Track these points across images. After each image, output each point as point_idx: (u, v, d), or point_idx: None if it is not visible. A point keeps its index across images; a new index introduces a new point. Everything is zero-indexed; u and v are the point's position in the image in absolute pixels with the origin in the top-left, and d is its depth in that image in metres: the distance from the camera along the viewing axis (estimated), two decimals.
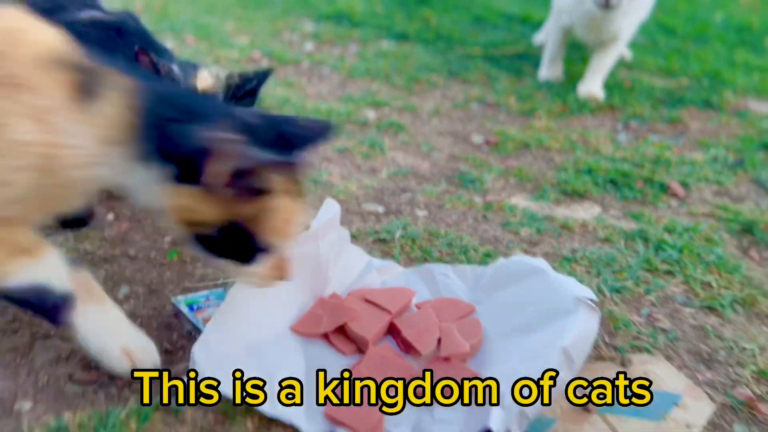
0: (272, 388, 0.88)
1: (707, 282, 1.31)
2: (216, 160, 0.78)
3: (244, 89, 1.20)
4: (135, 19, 1.31)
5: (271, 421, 0.88)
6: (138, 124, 0.79)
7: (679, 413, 0.98)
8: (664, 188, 1.70)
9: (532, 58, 2.72)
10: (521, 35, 3.02)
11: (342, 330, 1.03)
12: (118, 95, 0.80)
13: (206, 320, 1.01)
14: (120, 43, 1.23)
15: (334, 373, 0.96)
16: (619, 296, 1.25)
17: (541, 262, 1.11)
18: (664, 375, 1.06)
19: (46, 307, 0.84)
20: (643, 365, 1.08)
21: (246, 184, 0.81)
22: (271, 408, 0.85)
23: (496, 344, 1.02)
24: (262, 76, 1.22)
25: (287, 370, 0.93)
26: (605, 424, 0.95)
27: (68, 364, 0.95)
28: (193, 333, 1.03)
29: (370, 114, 2.06)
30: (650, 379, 1.04)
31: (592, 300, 1.01)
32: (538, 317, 1.01)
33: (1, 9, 0.84)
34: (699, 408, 1.00)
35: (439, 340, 1.02)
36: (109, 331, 0.89)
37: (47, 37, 0.82)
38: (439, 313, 1.08)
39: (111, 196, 1.41)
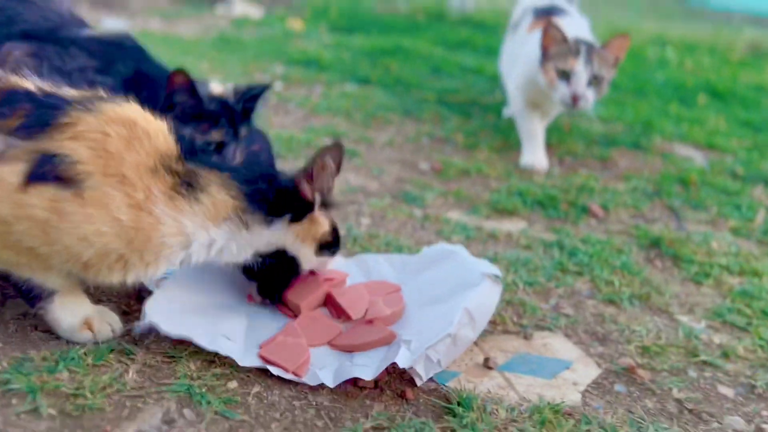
0: (214, 333, 1.02)
1: (611, 281, 1.49)
2: (317, 179, 1.06)
3: (250, 94, 1.43)
4: (132, 39, 1.52)
5: (212, 362, 1.01)
6: (241, 203, 1.01)
7: (568, 374, 1.14)
8: (585, 210, 1.90)
9: (481, 104, 2.96)
10: (474, 84, 3.27)
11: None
12: (217, 187, 1.00)
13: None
14: (120, 56, 1.43)
15: (271, 330, 1.10)
16: (531, 288, 1.42)
17: (457, 247, 1.28)
18: (560, 347, 1.22)
19: (32, 294, 1.00)
20: (543, 339, 1.24)
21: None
22: (210, 344, 0.99)
23: (415, 313, 1.18)
24: (264, 87, 1.46)
25: (229, 323, 1.07)
26: (502, 379, 1.10)
27: (35, 318, 1.08)
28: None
29: (328, 142, 2.24)
30: (548, 349, 1.20)
31: (496, 275, 1.18)
32: (449, 290, 1.18)
33: (118, 102, 1.00)
34: (586, 372, 1.16)
35: (366, 310, 1.18)
36: (75, 311, 1.03)
37: (157, 140, 0.98)
38: (370, 291, 1.24)
39: None
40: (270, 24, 4.63)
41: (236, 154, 1.41)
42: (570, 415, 1.02)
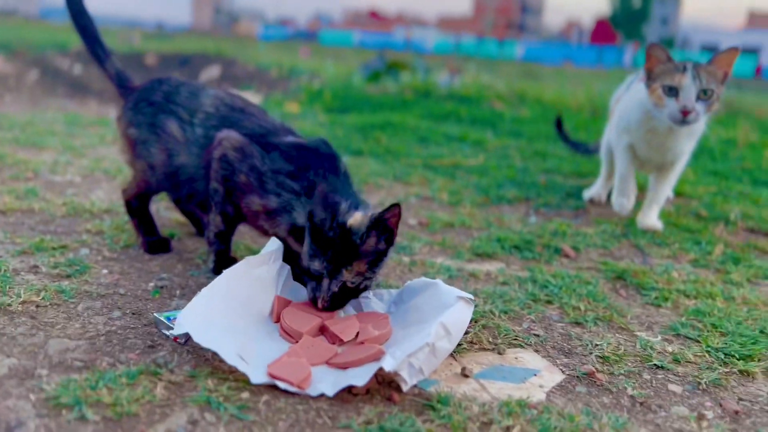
0: (233, 351, 1.21)
1: (578, 307, 1.67)
2: None
3: (377, 223, 1.41)
4: (327, 145, 1.63)
5: (226, 379, 1.19)
6: None
7: (536, 379, 1.31)
8: (558, 251, 2.10)
9: (464, 167, 3.22)
10: (457, 149, 3.55)
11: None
12: None
13: None
14: (314, 163, 1.57)
15: (276, 353, 1.29)
16: (505, 315, 1.60)
17: (436, 280, 1.48)
18: (530, 360, 1.40)
19: None
20: (515, 354, 1.41)
21: None
22: (231, 360, 1.17)
23: (400, 334, 1.36)
24: (393, 213, 1.42)
25: (244, 346, 1.26)
26: (477, 384, 1.27)
27: (75, 352, 1.26)
28: (170, 335, 1.35)
29: None
30: (519, 361, 1.38)
31: (469, 298, 1.37)
32: (428, 312, 1.37)
33: None
34: (552, 377, 1.33)
35: (357, 334, 1.36)
36: None
37: None
38: (360, 319, 1.42)
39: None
40: (268, 108, 4.97)
41: (329, 289, 1.42)
42: (534, 407, 1.18)
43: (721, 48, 2.44)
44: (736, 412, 1.22)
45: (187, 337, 1.32)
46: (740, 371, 1.38)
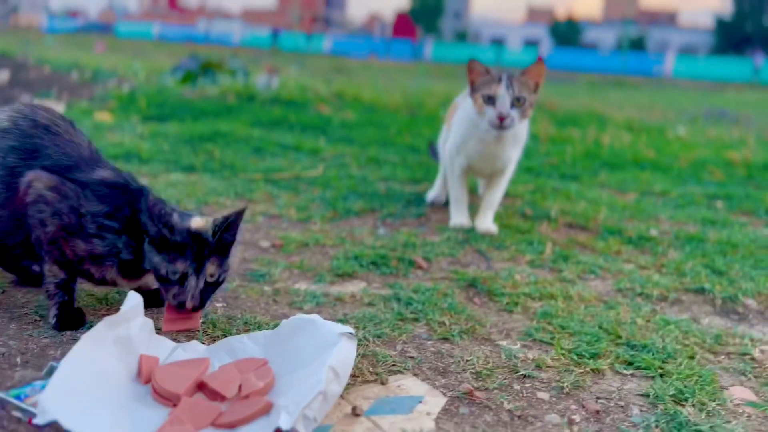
0: (106, 427, 1.09)
1: (442, 322, 1.75)
2: None
3: (224, 225, 1.52)
4: (134, 179, 1.63)
5: None
6: None
7: (422, 407, 1.35)
8: (412, 263, 2.18)
9: (305, 179, 3.20)
10: (296, 161, 3.52)
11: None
12: None
13: (35, 404, 1.19)
14: (125, 200, 1.55)
15: (153, 420, 1.18)
16: (379, 340, 1.63)
17: (313, 316, 1.46)
18: (412, 386, 1.44)
19: None
20: (396, 382, 1.44)
21: None
22: None
23: (285, 380, 1.32)
24: (239, 213, 1.56)
25: (115, 418, 1.14)
26: (370, 423, 1.28)
27: None
28: (23, 417, 1.19)
29: None
30: (402, 389, 1.41)
31: (350, 333, 1.38)
32: (311, 353, 1.35)
33: None
34: (435, 402, 1.38)
35: (240, 387, 1.30)
36: None
37: None
38: (239, 369, 1.36)
39: None
40: (76, 118, 4.52)
41: (196, 286, 1.49)
42: None
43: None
44: (597, 412, 1.37)
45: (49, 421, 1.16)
46: (592, 370, 1.55)
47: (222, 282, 1.56)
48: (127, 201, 1.57)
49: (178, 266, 1.47)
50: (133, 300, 1.38)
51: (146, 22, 51.26)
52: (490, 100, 2.32)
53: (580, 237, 2.61)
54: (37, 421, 1.06)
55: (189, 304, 1.48)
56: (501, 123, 2.31)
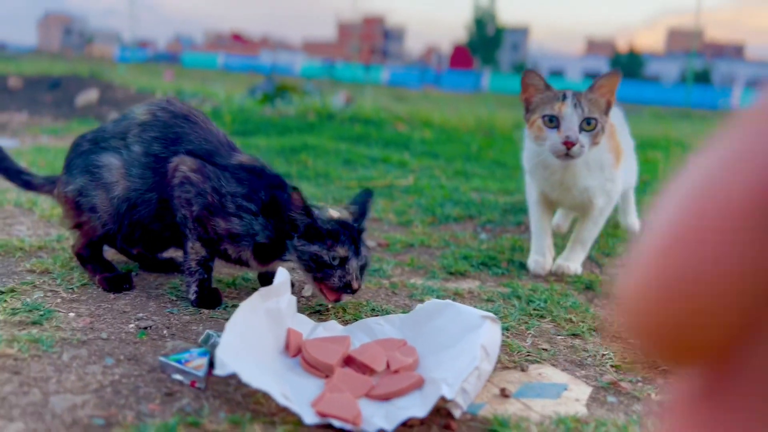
0: (276, 390, 1.10)
1: (569, 319, 1.72)
2: None
3: (363, 211, 1.69)
4: (268, 167, 1.72)
5: (273, 423, 1.09)
6: None
7: (569, 393, 1.33)
8: (523, 266, 2.16)
9: (399, 187, 3.23)
10: (386, 171, 3.56)
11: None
12: None
13: (197, 367, 1.22)
14: (261, 184, 1.63)
15: (310, 389, 1.20)
16: (507, 332, 1.61)
17: (448, 301, 1.46)
18: (552, 374, 1.41)
19: None
20: (536, 370, 1.42)
21: None
22: (279, 400, 1.08)
23: (430, 360, 1.32)
24: (367, 197, 1.74)
25: (281, 384, 1.16)
26: (520, 404, 1.26)
27: (84, 408, 1.10)
28: (185, 379, 1.22)
29: None
30: (544, 377, 1.39)
31: (493, 317, 1.37)
32: (455, 335, 1.34)
33: None
34: (581, 390, 1.35)
35: (387, 363, 1.31)
36: None
37: None
38: (383, 347, 1.37)
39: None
40: None
41: (357, 267, 1.58)
42: (586, 422, 1.19)
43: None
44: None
45: (206, 381, 1.20)
46: None
47: (368, 264, 1.63)
48: (263, 185, 1.63)
49: (339, 251, 1.55)
50: (282, 275, 1.41)
51: (211, 53, 53.25)
52: (553, 121, 1.84)
53: None
54: (217, 372, 1.09)
55: (355, 284, 1.55)
56: (568, 150, 1.82)
